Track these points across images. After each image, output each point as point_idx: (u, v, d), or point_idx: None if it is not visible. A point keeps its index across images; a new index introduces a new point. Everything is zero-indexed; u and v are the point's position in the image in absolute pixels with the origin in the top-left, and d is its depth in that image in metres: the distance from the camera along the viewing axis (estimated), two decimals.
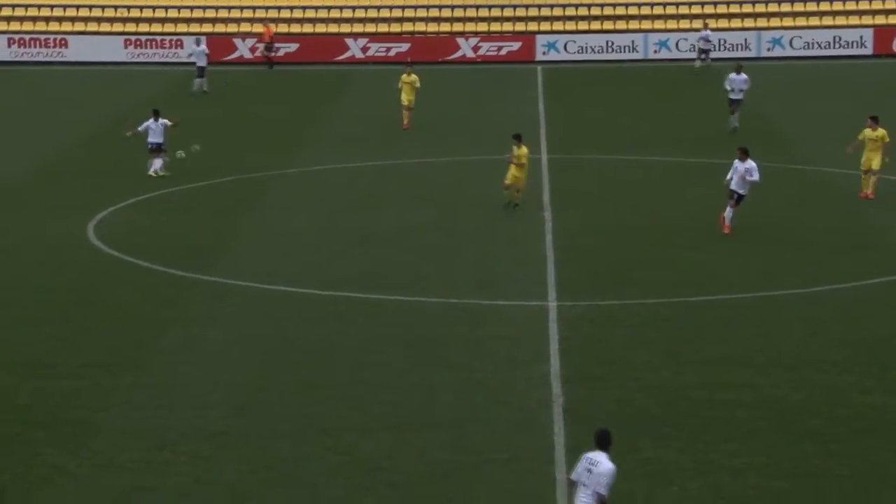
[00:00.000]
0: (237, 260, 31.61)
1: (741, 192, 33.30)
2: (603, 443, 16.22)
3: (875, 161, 36.94)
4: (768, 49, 68.80)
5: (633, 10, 71.13)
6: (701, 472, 19.59)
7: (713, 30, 68.32)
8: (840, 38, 68.82)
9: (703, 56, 64.70)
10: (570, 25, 70.62)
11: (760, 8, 71.00)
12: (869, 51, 68.14)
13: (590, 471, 16.04)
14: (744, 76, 48.24)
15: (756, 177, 33.26)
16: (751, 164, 33.30)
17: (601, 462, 16.06)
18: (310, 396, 22.69)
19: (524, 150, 36.30)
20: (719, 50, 67.36)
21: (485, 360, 24.52)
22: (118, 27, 70.87)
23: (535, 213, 35.94)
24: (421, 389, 22.99)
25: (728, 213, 33.34)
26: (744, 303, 27.94)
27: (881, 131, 37.07)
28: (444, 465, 19.84)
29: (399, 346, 25.33)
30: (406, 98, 49.13)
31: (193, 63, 60.10)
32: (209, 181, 40.50)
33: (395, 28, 70.94)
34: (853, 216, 35.66)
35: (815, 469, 19.70)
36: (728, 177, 33.58)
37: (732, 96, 47.99)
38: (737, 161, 33.49)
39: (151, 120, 41.72)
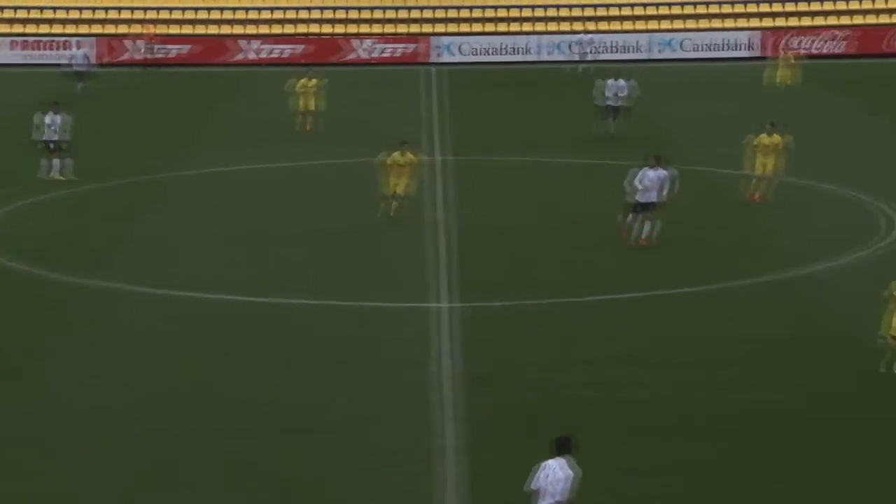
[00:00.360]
0: (129, 264, 31.16)
1: (654, 201, 31.85)
2: (562, 449, 16.15)
3: (769, 166, 37.35)
4: (659, 51, 69.44)
5: (527, 13, 71.40)
6: (594, 472, 19.56)
7: (605, 32, 68.81)
8: (729, 41, 69.71)
9: (582, 58, 64.70)
10: (465, 27, 70.77)
11: (651, 11, 71.64)
12: (757, 53, 69.07)
13: (548, 476, 15.99)
14: (622, 82, 46.66)
15: (674, 188, 32.10)
16: (664, 173, 32.13)
17: (559, 468, 15.99)
18: (200, 400, 22.42)
19: (411, 157, 34.67)
20: (610, 52, 67.84)
21: (379, 362, 24.42)
22: (5, 28, 69.79)
23: (430, 215, 35.89)
24: (314, 392, 22.82)
25: (641, 227, 31.77)
26: (637, 302, 28.10)
27: (776, 137, 37.46)
28: (337, 468, 19.70)
29: (293, 348, 25.14)
30: (303, 104, 48.06)
31: (71, 66, 59.44)
32: (103, 184, 39.93)
33: (290, 29, 70.59)
34: (744, 217, 36.01)
35: (710, 467, 19.81)
36: (629, 182, 31.98)
37: (609, 103, 46.40)
38: (647, 169, 32.04)
39: (51, 113, 39.76)
